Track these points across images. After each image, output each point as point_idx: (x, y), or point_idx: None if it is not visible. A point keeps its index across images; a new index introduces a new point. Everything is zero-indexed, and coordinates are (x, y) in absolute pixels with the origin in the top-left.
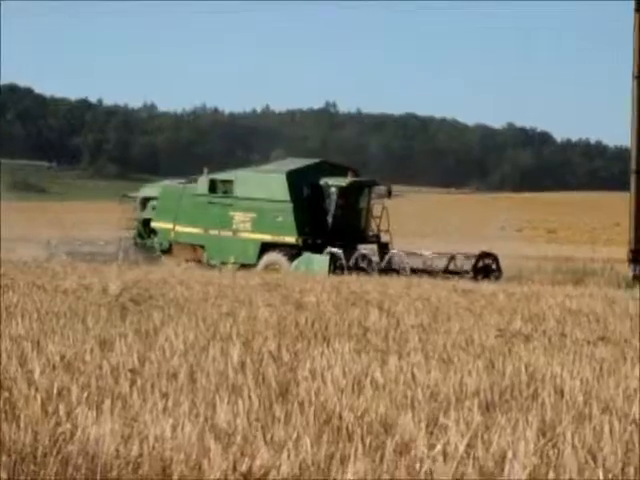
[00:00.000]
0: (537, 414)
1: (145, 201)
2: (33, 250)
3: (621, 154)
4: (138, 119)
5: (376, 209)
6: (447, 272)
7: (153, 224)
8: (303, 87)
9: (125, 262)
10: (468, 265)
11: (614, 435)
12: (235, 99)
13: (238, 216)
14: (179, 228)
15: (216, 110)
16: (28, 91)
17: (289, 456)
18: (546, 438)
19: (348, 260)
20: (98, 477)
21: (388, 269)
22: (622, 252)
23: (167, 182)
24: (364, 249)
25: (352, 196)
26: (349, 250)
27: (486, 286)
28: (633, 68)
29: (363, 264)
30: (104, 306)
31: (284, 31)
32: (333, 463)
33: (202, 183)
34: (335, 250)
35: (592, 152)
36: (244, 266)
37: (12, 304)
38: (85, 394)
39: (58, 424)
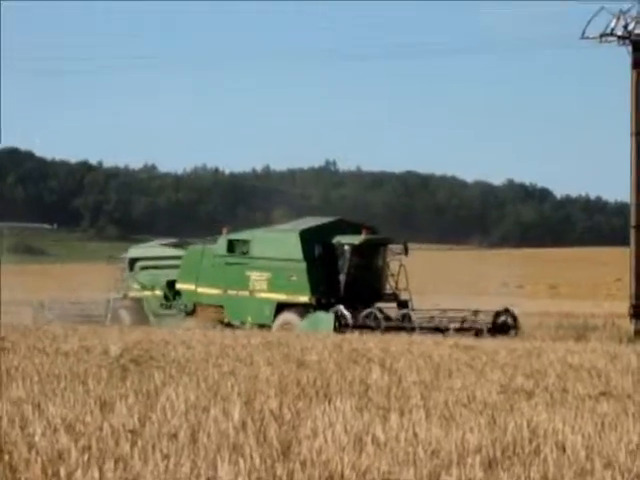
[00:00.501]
0: (539, 470)
1: (133, 262)
2: (29, 313)
3: (621, 209)
4: (138, 180)
5: (393, 267)
6: (463, 330)
7: (178, 286)
8: (303, 146)
9: (114, 324)
10: (484, 321)
11: None
12: (235, 159)
13: (254, 276)
14: (200, 289)
15: (217, 170)
16: (29, 154)
17: None
18: None
19: (356, 318)
20: None
21: (397, 327)
22: (623, 307)
23: (153, 243)
24: (379, 308)
25: (366, 254)
26: (357, 310)
27: (488, 343)
28: (631, 125)
29: (370, 322)
30: (105, 367)
31: (283, 89)
32: None
33: (221, 243)
34: (341, 308)
35: (592, 207)
36: (262, 326)
37: (13, 367)
38: (86, 456)
39: None
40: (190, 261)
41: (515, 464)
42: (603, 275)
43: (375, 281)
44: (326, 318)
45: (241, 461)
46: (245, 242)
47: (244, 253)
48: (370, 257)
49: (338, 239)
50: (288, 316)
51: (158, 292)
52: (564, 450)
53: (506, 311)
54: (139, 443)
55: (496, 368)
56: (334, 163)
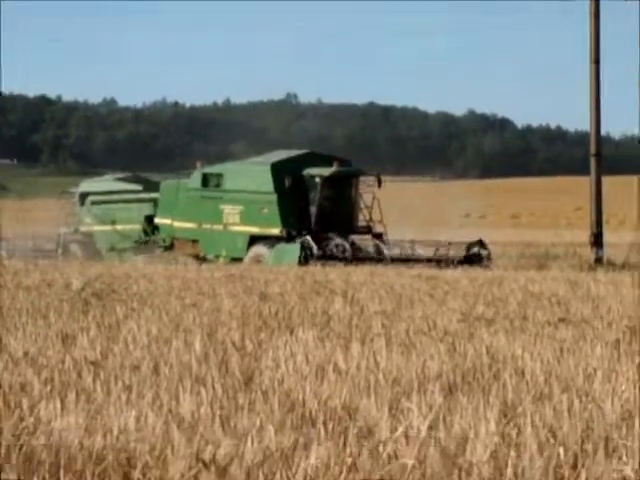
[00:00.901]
0: (498, 395)
1: (84, 197)
2: None
3: (581, 138)
4: (98, 114)
5: (367, 199)
6: (435, 261)
7: (156, 220)
8: (263, 79)
9: (65, 258)
10: (456, 253)
11: (574, 413)
12: (195, 93)
13: (228, 209)
14: (177, 224)
15: (176, 103)
16: None
17: (253, 444)
18: (507, 418)
19: (323, 250)
20: (62, 470)
21: (363, 258)
22: (584, 236)
23: (107, 177)
24: (358, 240)
25: (338, 186)
26: (323, 240)
27: (450, 273)
28: (590, 53)
29: (337, 253)
30: (66, 301)
31: (244, 22)
32: (297, 449)
33: (195, 177)
34: (306, 239)
35: (553, 137)
36: (235, 260)
37: None
38: (48, 388)
39: (21, 418)
40: (166, 196)
41: (474, 389)
42: (564, 204)
43: (347, 213)
44: (291, 249)
45: (203, 391)
46: (219, 175)
47: (217, 187)
48: (341, 189)
49: (308, 171)
50: (259, 249)
51: (110, 227)
52: (523, 375)
53: (479, 242)
54: (101, 375)
55: (457, 297)
56: (295, 96)
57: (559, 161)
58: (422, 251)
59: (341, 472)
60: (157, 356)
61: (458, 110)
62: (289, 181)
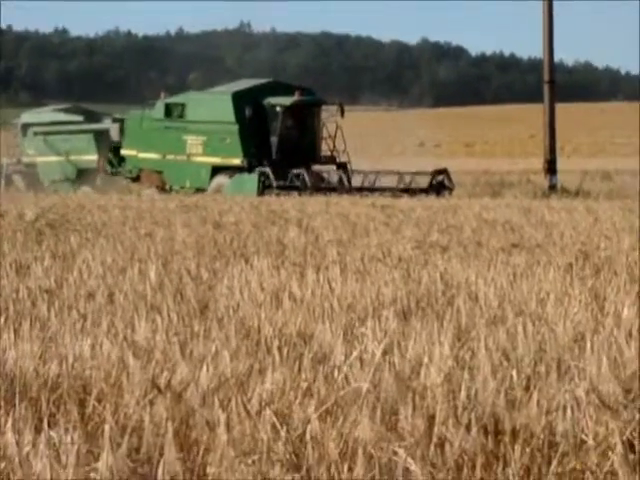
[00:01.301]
0: (452, 320)
1: (25, 127)
2: None
3: (535, 65)
4: (50, 44)
5: (331, 129)
6: (400, 190)
7: (122, 151)
8: (217, 7)
9: (8, 190)
10: (420, 183)
11: (527, 336)
12: (149, 22)
13: (191, 140)
14: (142, 155)
15: (129, 33)
16: None
17: (208, 370)
18: (461, 342)
19: (283, 179)
20: (17, 398)
21: (326, 188)
22: (538, 163)
23: (46, 108)
24: (321, 170)
25: (299, 116)
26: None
27: (405, 201)
28: None
29: (297, 182)
30: (20, 231)
31: None
32: (252, 375)
33: (158, 107)
34: (264, 169)
35: (506, 64)
36: (199, 191)
37: None
38: (2, 318)
39: None
40: (132, 127)
41: (429, 315)
42: (518, 132)
43: (310, 143)
44: (250, 179)
45: (158, 319)
46: (182, 105)
47: (180, 117)
48: (303, 119)
49: (269, 100)
50: (222, 179)
51: (52, 157)
52: (477, 300)
53: (443, 171)
54: (56, 304)
55: (412, 225)
56: (248, 25)
57: (513, 89)
58: (386, 181)
59: (296, 397)
60: (112, 285)
61: (412, 39)
62: (249, 111)
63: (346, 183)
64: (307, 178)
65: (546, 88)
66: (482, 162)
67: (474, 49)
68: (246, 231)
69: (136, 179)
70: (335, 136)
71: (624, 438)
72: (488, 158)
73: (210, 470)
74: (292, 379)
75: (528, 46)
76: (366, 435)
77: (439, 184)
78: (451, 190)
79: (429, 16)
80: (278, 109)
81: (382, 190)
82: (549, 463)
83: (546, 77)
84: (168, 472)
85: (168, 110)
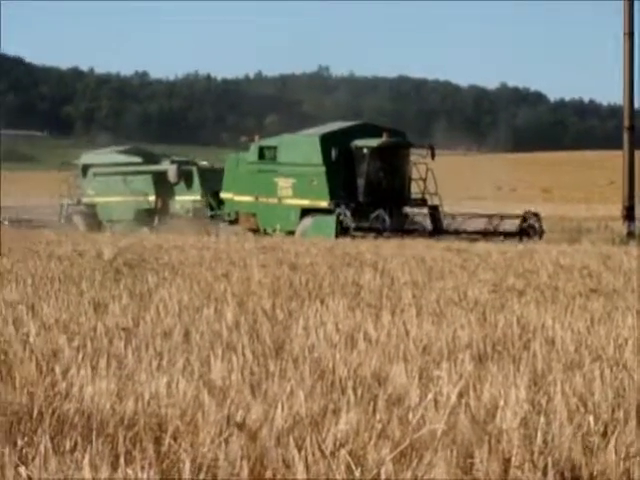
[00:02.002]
0: (528, 364)
1: (86, 168)
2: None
3: (614, 111)
4: (130, 87)
5: (422, 171)
6: (490, 234)
7: (221, 195)
8: (295, 51)
9: (66, 228)
10: (508, 226)
11: (605, 382)
12: (228, 65)
13: (282, 182)
14: (237, 197)
15: (209, 77)
16: (18, 60)
17: (283, 409)
18: (537, 386)
19: (361, 220)
20: (94, 434)
21: (404, 230)
22: (616, 210)
23: (107, 150)
24: (410, 211)
25: (387, 158)
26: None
27: (481, 245)
28: (624, 25)
29: (377, 224)
30: (98, 270)
31: None
32: (326, 415)
33: (252, 150)
34: (343, 210)
35: (585, 110)
36: (289, 233)
37: (6, 270)
38: (80, 355)
39: (54, 384)
40: (229, 170)
41: (505, 358)
42: (597, 178)
43: (398, 185)
44: (328, 221)
45: (234, 358)
46: (273, 148)
47: (273, 159)
48: (391, 161)
49: (356, 142)
50: (309, 221)
51: (112, 198)
52: (553, 345)
53: (533, 214)
54: (133, 342)
55: (488, 269)
56: (327, 69)
57: (591, 135)
58: (474, 224)
59: (370, 438)
60: (188, 324)
61: (491, 83)
62: (336, 152)
63: (432, 224)
64: (387, 219)
65: (626, 134)
66: (559, 208)
67: (553, 95)
68: (321, 272)
69: (234, 222)
70: (426, 178)
71: None
72: (565, 204)
73: None
74: (366, 420)
75: (608, 92)
76: (441, 477)
77: (530, 227)
78: (542, 234)
79: (508, 61)
80: (365, 151)
81: (472, 233)
82: None
83: (626, 123)
84: None
85: (262, 153)
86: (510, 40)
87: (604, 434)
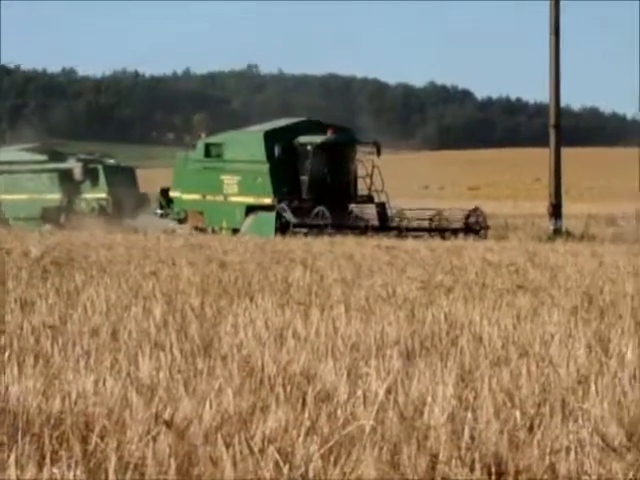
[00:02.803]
0: (456, 360)
1: None
2: None
3: (541, 110)
4: (57, 84)
5: (368, 168)
6: (435, 230)
7: (170, 193)
8: (224, 49)
9: None
10: (455, 223)
11: (531, 377)
12: (156, 62)
13: (227, 180)
14: (185, 196)
15: (137, 74)
16: None
17: (211, 407)
18: (465, 382)
19: (302, 218)
20: (20, 433)
21: (349, 226)
22: (543, 207)
23: (11, 147)
24: (356, 208)
25: (331, 155)
26: (337, 211)
27: (410, 243)
28: (550, 24)
29: (318, 221)
30: (25, 269)
31: None
32: (255, 413)
33: (199, 148)
34: (282, 206)
35: (513, 108)
36: (235, 231)
37: None
38: (6, 354)
39: None
40: (177, 168)
41: (432, 355)
42: (524, 176)
43: (343, 182)
44: (268, 218)
45: (162, 356)
46: (219, 145)
47: (218, 157)
48: (335, 158)
49: (300, 139)
50: (251, 219)
51: (17, 195)
52: (481, 341)
53: (475, 210)
54: (60, 340)
55: (417, 266)
56: (256, 66)
57: (519, 133)
58: (418, 221)
59: (299, 435)
60: (116, 322)
61: (419, 81)
62: (279, 149)
63: (383, 222)
64: (328, 216)
65: (552, 132)
66: (486, 205)
67: (480, 93)
68: (251, 270)
69: (183, 220)
70: (372, 175)
71: None
72: (493, 201)
73: None
74: (295, 417)
75: (534, 91)
76: (369, 474)
77: (475, 224)
78: (487, 229)
79: (436, 59)
80: (309, 147)
81: (418, 230)
82: None
83: (552, 121)
84: None
85: (208, 150)
86: (438, 38)
87: (530, 429)
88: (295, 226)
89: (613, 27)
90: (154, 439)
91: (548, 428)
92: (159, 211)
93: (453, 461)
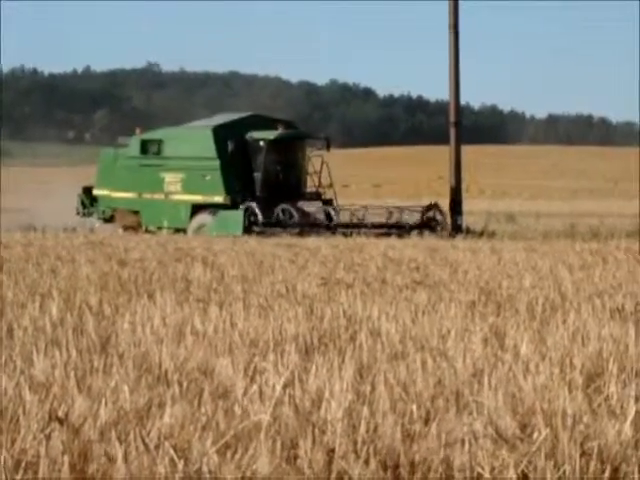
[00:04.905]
0: (354, 355)
1: None
2: None
3: (442, 108)
4: None
5: (316, 164)
6: (390, 227)
7: (94, 191)
8: (124, 47)
9: None
10: (411, 219)
11: (427, 371)
12: (55, 59)
13: (169, 177)
14: (116, 194)
15: (35, 71)
16: None
17: (107, 404)
18: (362, 377)
19: (269, 216)
20: None
21: (314, 224)
22: (444, 204)
23: None
24: (307, 206)
25: (284, 150)
26: (271, 207)
27: (312, 240)
28: (449, 17)
29: (285, 219)
30: None
31: None
32: (151, 409)
33: (134, 144)
34: (251, 205)
35: (414, 106)
36: (178, 231)
37: None
38: None
39: None
40: (104, 165)
41: (331, 350)
42: (426, 173)
43: (294, 179)
44: (234, 216)
45: (57, 354)
46: (158, 142)
47: (157, 154)
48: (288, 153)
49: (252, 134)
50: (203, 218)
51: None
52: (379, 336)
53: (434, 206)
54: None
55: (318, 263)
56: (157, 65)
57: (421, 130)
58: (374, 217)
59: (195, 431)
60: (12, 320)
61: (320, 79)
62: (232, 145)
63: (333, 220)
64: (295, 214)
65: (452, 130)
66: (389, 202)
67: (382, 91)
68: (151, 268)
69: (109, 220)
70: (321, 171)
71: (519, 471)
72: (395, 198)
73: None
74: (192, 413)
75: (436, 89)
76: (264, 469)
77: (432, 220)
78: (444, 225)
79: (337, 58)
80: (262, 143)
81: (373, 227)
82: None
83: (452, 119)
84: None
85: (144, 147)
86: (338, 36)
87: (426, 422)
88: (264, 225)
89: (512, 28)
90: (48, 437)
91: (443, 421)
92: (81, 210)
93: (350, 455)
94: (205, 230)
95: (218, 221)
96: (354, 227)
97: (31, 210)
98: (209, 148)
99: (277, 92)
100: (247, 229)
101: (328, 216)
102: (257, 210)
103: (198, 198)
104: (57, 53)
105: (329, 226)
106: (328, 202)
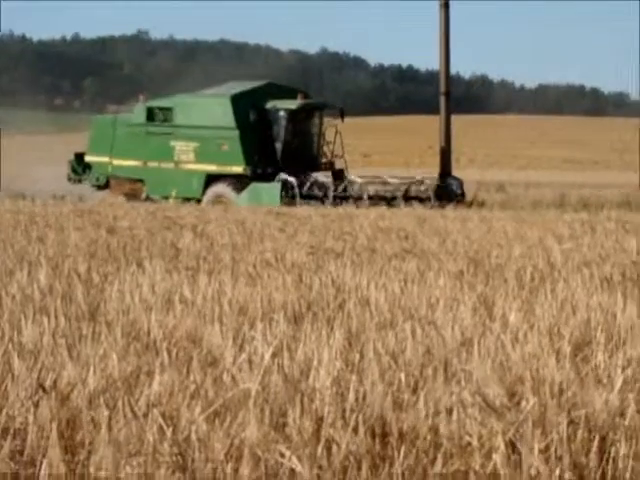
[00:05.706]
0: (343, 324)
1: None
2: None
3: (432, 78)
4: None
5: (329, 134)
6: (409, 198)
7: (87, 158)
8: (113, 14)
9: None
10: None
11: (416, 340)
12: (43, 26)
13: (180, 146)
14: (116, 161)
15: (24, 37)
16: None
17: (95, 371)
18: (351, 346)
19: (301, 188)
20: None
21: (344, 197)
22: (434, 174)
23: None
24: (320, 176)
25: (303, 120)
26: (302, 178)
27: (302, 209)
28: None
29: (318, 192)
30: None
31: None
32: (140, 377)
33: (138, 112)
34: (287, 177)
35: (404, 76)
36: (188, 200)
37: None
38: None
39: None
40: (101, 132)
41: (320, 319)
42: (416, 143)
43: (312, 149)
44: (270, 188)
45: (46, 321)
46: (167, 109)
47: (166, 121)
48: (306, 123)
49: (274, 104)
50: (221, 188)
51: None
52: (368, 305)
53: (452, 177)
54: None
55: (308, 232)
56: (146, 32)
57: (411, 100)
58: (390, 188)
59: (184, 399)
60: None
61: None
62: (254, 115)
63: (354, 191)
64: (331, 187)
65: (442, 100)
66: (380, 172)
67: (373, 60)
68: (140, 236)
69: (103, 187)
70: (335, 141)
71: (507, 439)
72: (385, 168)
73: (94, 471)
74: (180, 381)
75: (426, 59)
76: (253, 436)
77: (449, 191)
78: (463, 198)
79: (328, 26)
80: (282, 113)
81: (394, 198)
82: (433, 464)
83: (442, 89)
84: (51, 474)
85: (151, 114)
86: (327, 5)
87: (414, 391)
88: (303, 197)
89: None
90: (36, 404)
91: (431, 390)
92: (72, 176)
93: (338, 423)
94: (226, 202)
95: (251, 193)
96: (380, 199)
97: (20, 177)
98: (227, 117)
99: (268, 61)
100: (284, 202)
101: (346, 189)
102: (295, 184)
103: (213, 168)
104: (46, 20)
105: (358, 198)
106: (339, 172)
